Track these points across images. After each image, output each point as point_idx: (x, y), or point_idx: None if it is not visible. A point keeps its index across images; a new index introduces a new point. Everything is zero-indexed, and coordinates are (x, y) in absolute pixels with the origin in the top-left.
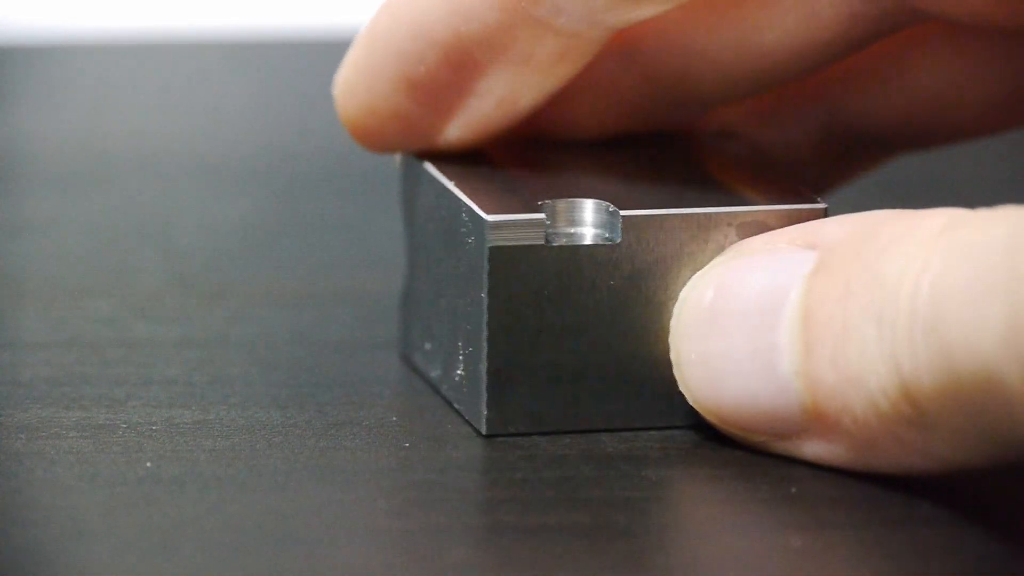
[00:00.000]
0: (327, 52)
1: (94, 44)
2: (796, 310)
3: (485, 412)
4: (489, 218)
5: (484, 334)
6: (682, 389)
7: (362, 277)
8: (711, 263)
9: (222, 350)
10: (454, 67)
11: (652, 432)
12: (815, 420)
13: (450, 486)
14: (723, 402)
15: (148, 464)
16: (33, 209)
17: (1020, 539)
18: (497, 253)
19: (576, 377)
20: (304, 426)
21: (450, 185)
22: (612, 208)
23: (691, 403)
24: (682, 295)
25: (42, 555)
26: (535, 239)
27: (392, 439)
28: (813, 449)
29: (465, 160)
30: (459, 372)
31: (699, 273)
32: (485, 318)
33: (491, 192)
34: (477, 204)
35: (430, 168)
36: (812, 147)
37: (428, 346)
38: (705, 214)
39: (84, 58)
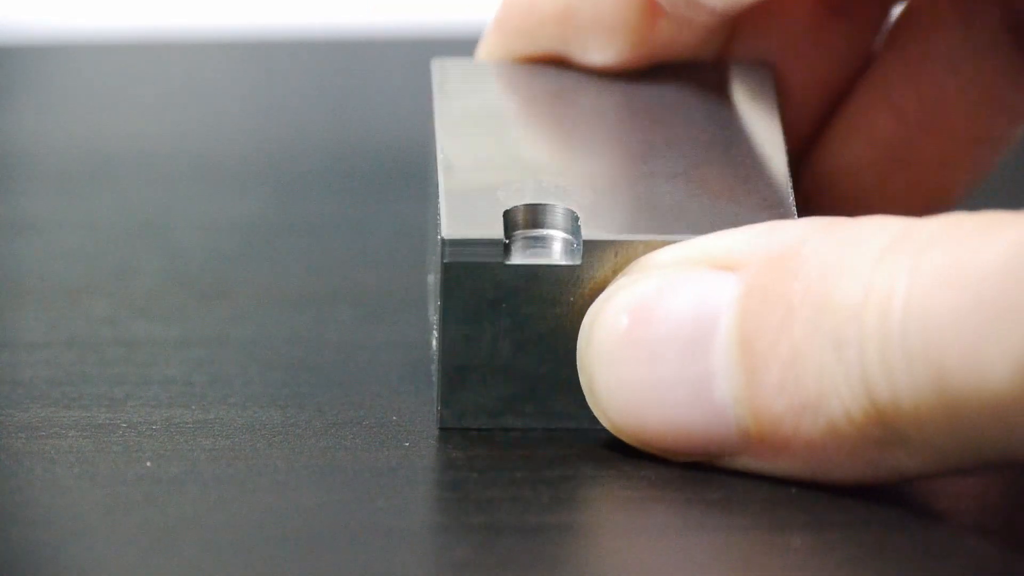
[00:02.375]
0: (327, 52)
1: (94, 44)
2: (732, 336)
3: (439, 408)
4: (447, 235)
5: (441, 341)
6: (597, 414)
7: (362, 277)
8: (615, 284)
9: (222, 350)
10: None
11: None
12: (756, 443)
13: (450, 486)
14: (649, 427)
15: (148, 464)
16: (33, 209)
17: (1019, 539)
18: (453, 268)
19: (532, 391)
20: (304, 426)
21: (441, 182)
22: (576, 226)
23: (608, 428)
24: (587, 320)
25: (42, 555)
26: (492, 257)
27: (392, 439)
28: (748, 465)
29: (480, 133)
30: (434, 367)
31: (603, 296)
32: (440, 326)
33: (470, 195)
34: (447, 214)
35: (439, 149)
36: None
37: (433, 341)
38: (667, 241)
39: (84, 58)
